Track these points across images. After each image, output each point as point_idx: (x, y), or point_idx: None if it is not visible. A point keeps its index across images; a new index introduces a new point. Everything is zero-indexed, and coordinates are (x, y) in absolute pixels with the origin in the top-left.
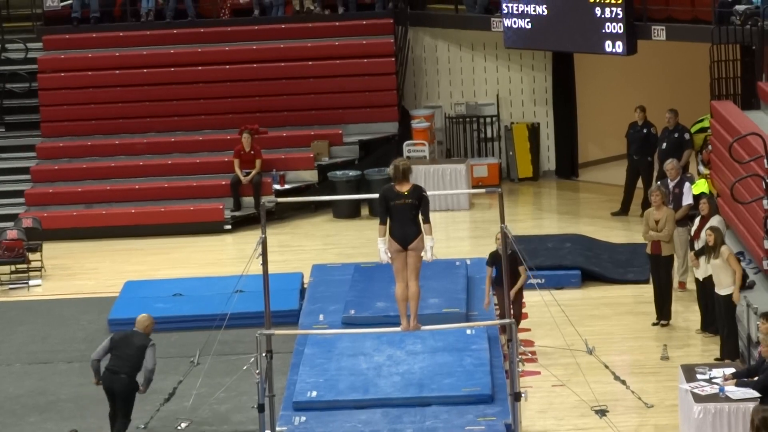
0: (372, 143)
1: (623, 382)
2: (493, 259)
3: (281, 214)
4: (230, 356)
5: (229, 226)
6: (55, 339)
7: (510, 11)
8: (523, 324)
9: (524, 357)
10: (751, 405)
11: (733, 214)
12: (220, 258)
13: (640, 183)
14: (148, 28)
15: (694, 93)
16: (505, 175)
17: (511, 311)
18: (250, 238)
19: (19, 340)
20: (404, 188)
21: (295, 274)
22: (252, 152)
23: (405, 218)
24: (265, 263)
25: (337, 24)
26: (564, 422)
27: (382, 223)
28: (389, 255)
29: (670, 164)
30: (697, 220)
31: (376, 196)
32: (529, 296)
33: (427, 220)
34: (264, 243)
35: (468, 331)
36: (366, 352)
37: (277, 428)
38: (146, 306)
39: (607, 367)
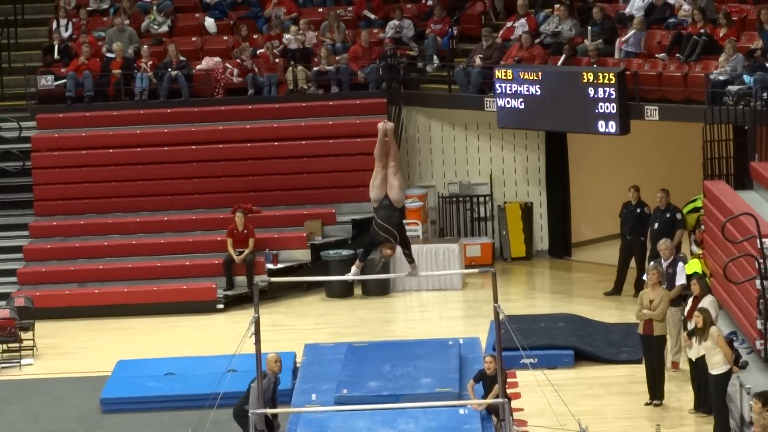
0: (365, 223)
1: None
2: (481, 376)
3: (274, 293)
4: None
5: (221, 306)
6: (47, 418)
7: (503, 91)
8: (515, 404)
9: None
10: None
11: (726, 294)
12: (213, 337)
13: (633, 263)
14: (142, 107)
15: (687, 173)
16: (498, 254)
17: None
18: (242, 318)
19: (10, 420)
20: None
21: (287, 353)
22: (245, 231)
23: None
24: (257, 342)
25: (330, 103)
26: None
27: (361, 261)
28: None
29: (663, 244)
30: (689, 301)
31: (370, 277)
32: (521, 376)
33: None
34: (257, 322)
35: (461, 411)
36: None
37: None
38: (138, 385)
39: None
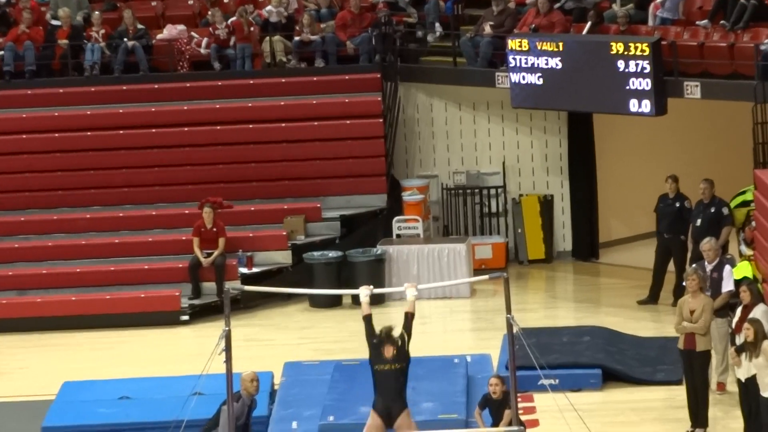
0: (356, 219)
1: None
2: (486, 402)
3: (248, 302)
4: None
5: (186, 317)
6: None
7: (518, 64)
8: None
9: None
10: None
11: None
12: (176, 354)
13: (671, 266)
14: (93, 84)
15: (734, 160)
16: (513, 256)
17: None
18: (211, 331)
19: None
20: (389, 352)
21: (264, 373)
22: (214, 229)
23: (389, 387)
24: (228, 360)
25: (314, 79)
26: None
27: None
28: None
29: (707, 244)
30: (738, 310)
31: (358, 291)
32: (540, 399)
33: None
34: (228, 337)
35: None
36: None
37: None
38: (88, 411)
39: None
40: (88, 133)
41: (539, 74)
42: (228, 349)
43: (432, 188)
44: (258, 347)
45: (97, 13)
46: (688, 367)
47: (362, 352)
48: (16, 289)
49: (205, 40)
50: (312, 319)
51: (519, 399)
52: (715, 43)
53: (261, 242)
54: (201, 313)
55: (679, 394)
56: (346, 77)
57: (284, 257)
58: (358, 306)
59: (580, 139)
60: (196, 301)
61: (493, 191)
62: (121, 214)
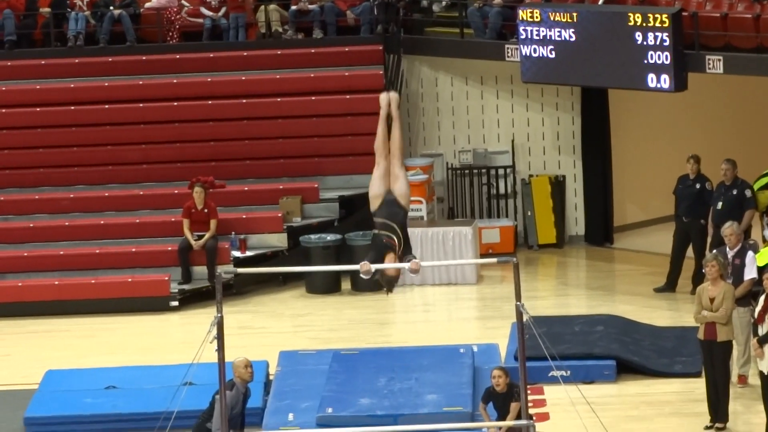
0: (355, 200)
1: None
2: (489, 396)
3: (241, 287)
4: None
5: (175, 303)
6: None
7: (529, 37)
8: (543, 427)
9: None
10: None
11: None
12: (165, 342)
13: (690, 252)
14: (77, 56)
15: (758, 139)
16: (522, 240)
17: None
18: (202, 318)
19: None
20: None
21: (258, 362)
22: (205, 210)
23: None
24: (221, 349)
25: (312, 51)
26: None
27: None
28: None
29: (728, 228)
30: (761, 299)
31: (358, 267)
32: (551, 392)
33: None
34: (220, 324)
35: None
36: None
37: None
38: (72, 401)
39: None
40: (72, 108)
41: (551, 47)
42: (220, 337)
43: (436, 168)
44: (252, 335)
45: None
46: (708, 359)
47: (361, 340)
48: None
49: (203, 9)
50: (309, 305)
51: (528, 391)
52: (739, 14)
53: (255, 224)
54: (191, 299)
55: (697, 387)
56: (346, 49)
57: (279, 240)
58: (358, 292)
59: (594, 116)
60: (186, 286)
61: (501, 171)
62: (106, 194)
